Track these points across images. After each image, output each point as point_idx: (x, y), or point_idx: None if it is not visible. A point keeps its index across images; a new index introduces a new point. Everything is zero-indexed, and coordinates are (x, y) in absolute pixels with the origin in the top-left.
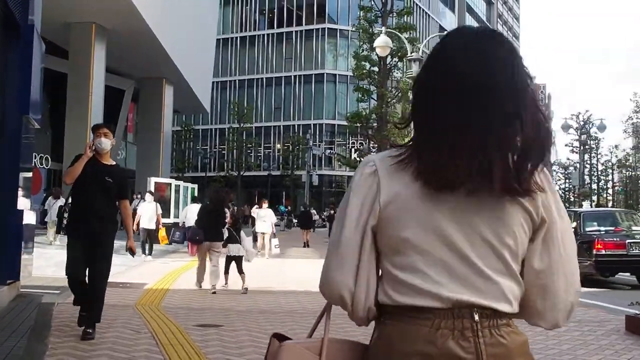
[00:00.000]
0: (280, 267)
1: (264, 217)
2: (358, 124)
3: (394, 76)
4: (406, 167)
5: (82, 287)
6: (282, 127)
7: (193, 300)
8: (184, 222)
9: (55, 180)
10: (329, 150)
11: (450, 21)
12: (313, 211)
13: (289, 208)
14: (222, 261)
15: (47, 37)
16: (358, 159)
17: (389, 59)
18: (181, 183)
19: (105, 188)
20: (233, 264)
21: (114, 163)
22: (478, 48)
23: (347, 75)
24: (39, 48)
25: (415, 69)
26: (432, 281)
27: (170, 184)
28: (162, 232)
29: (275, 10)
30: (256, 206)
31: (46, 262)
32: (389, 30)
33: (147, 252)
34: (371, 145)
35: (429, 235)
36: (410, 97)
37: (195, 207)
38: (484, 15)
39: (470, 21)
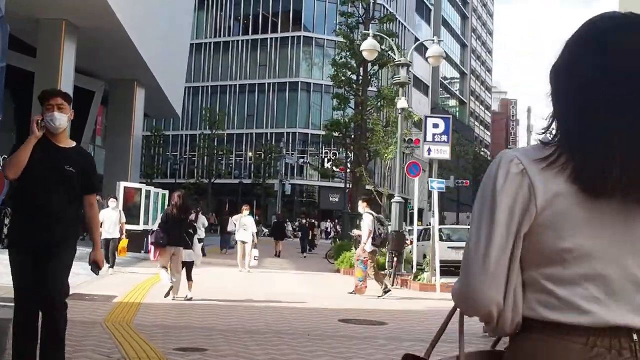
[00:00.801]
0: (258, 279)
1: (245, 225)
2: (336, 133)
3: (374, 84)
4: (560, 169)
5: (34, 331)
6: (254, 134)
7: (169, 316)
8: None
9: None
10: (302, 160)
11: (425, 34)
12: (288, 222)
13: (258, 217)
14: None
15: (13, 33)
16: (334, 168)
17: (369, 66)
18: (152, 188)
19: (64, 179)
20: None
21: (74, 144)
22: None
23: (322, 84)
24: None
25: (403, 74)
26: (591, 298)
27: (141, 189)
28: (124, 243)
29: (251, 17)
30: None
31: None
32: (377, 34)
33: (109, 263)
34: (348, 153)
35: (591, 246)
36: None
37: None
38: (458, 29)
39: (445, 34)
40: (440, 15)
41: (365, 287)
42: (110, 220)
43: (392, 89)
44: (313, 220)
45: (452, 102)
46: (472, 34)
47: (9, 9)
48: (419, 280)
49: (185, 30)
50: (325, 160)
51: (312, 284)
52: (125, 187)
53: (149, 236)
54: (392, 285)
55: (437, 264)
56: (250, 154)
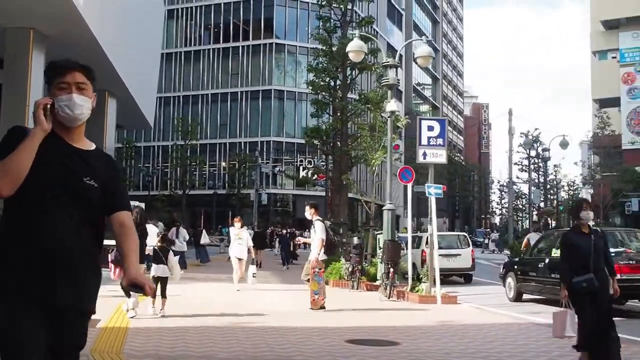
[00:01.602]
0: (246, 295)
1: (240, 240)
2: (316, 140)
3: (355, 89)
4: None
5: None
6: (227, 144)
7: (162, 343)
8: None
9: None
10: (277, 168)
11: (397, 39)
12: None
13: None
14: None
15: None
16: (314, 176)
17: (348, 70)
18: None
19: (81, 198)
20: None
21: (94, 146)
22: None
23: (295, 92)
24: None
25: (391, 75)
26: None
27: None
28: None
29: (221, 25)
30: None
31: None
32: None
33: None
34: (329, 161)
35: None
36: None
37: (151, 228)
38: (429, 34)
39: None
40: (411, 20)
41: (323, 299)
42: None
43: (377, 92)
44: (293, 230)
45: (425, 108)
46: (443, 38)
47: None
48: (417, 291)
49: (156, 39)
50: (301, 168)
51: (303, 299)
52: None
53: (109, 254)
54: (389, 297)
55: (437, 274)
56: (224, 164)
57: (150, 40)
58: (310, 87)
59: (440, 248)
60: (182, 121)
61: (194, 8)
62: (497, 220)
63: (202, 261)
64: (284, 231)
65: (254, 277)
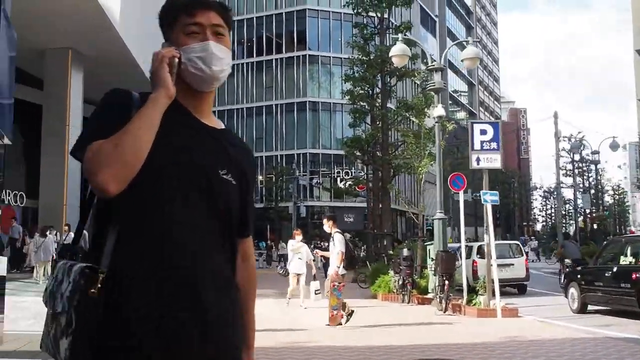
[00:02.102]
0: (296, 310)
1: (300, 254)
2: (357, 150)
3: (394, 96)
4: None
5: None
6: (264, 157)
7: None
8: None
9: (32, 219)
10: (315, 180)
11: (431, 45)
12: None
13: (270, 242)
14: None
15: (19, 65)
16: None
17: (387, 78)
18: None
19: (222, 203)
20: None
21: (223, 125)
22: None
23: (330, 103)
24: (6, 32)
25: (437, 79)
26: None
27: None
28: None
29: (254, 39)
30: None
31: (21, 313)
32: (407, 37)
33: None
34: (368, 170)
35: None
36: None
37: None
38: (464, 39)
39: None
40: (445, 26)
41: (342, 315)
42: None
43: (420, 98)
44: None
45: (462, 114)
46: (478, 44)
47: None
48: (475, 304)
49: None
50: (338, 180)
51: (356, 314)
52: None
53: None
54: (445, 311)
55: (497, 285)
56: (260, 177)
57: None
58: (348, 97)
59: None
60: None
61: None
62: (539, 227)
63: None
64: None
65: (316, 293)
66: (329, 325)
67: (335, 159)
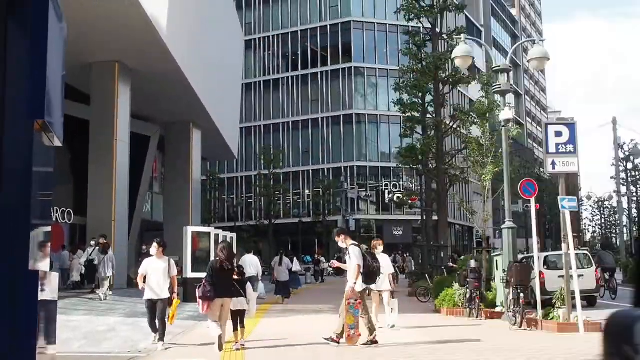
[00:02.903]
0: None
1: (382, 268)
2: (411, 162)
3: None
4: None
5: None
6: (311, 171)
7: None
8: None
9: (79, 236)
10: (364, 193)
11: (477, 55)
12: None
13: (317, 257)
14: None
15: (66, 80)
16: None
17: (440, 85)
18: (220, 232)
19: None
20: None
21: None
22: None
23: (376, 115)
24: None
25: (502, 80)
26: None
27: (209, 233)
28: (175, 306)
29: (299, 52)
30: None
31: (72, 334)
32: (470, 39)
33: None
34: (422, 182)
35: None
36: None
37: (251, 258)
38: (509, 49)
39: (497, 55)
40: (490, 35)
41: (359, 334)
42: (155, 273)
43: (482, 102)
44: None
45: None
46: (524, 53)
47: None
48: (552, 318)
49: (237, 69)
50: (386, 192)
51: (426, 330)
52: (193, 232)
53: (197, 290)
54: (520, 326)
55: (578, 298)
56: (307, 191)
57: (232, 71)
58: (398, 107)
59: (558, 269)
60: (265, 150)
61: (270, 37)
62: (588, 237)
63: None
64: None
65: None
66: (335, 342)
67: (382, 171)
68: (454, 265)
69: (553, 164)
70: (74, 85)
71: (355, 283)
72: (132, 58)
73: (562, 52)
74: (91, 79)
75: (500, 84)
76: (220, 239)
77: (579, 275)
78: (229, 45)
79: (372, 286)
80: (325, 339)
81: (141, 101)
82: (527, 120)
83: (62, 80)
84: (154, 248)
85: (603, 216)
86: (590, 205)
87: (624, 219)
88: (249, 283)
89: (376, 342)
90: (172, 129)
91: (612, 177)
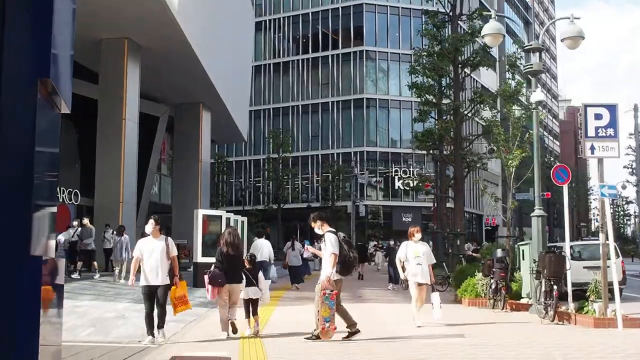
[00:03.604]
0: (383, 317)
1: (420, 257)
2: (427, 147)
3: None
4: None
5: None
6: (320, 156)
7: None
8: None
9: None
10: (375, 179)
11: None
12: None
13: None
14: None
15: (75, 57)
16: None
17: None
18: (232, 216)
19: None
20: None
21: None
22: None
23: (388, 99)
24: None
25: (535, 60)
26: None
27: (221, 216)
28: (181, 290)
29: (310, 35)
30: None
31: (80, 320)
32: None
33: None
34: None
35: None
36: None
37: (263, 242)
38: (521, 35)
39: (508, 40)
40: (504, 21)
41: (335, 328)
42: (153, 255)
43: (509, 84)
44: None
45: (518, 113)
46: (536, 40)
47: None
48: (587, 312)
49: (248, 51)
50: (396, 178)
51: (453, 323)
52: (203, 215)
53: (205, 276)
54: (552, 320)
55: (617, 291)
56: (316, 176)
57: (242, 52)
58: (414, 90)
59: (582, 259)
60: (275, 134)
61: (281, 19)
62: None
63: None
64: (392, 242)
65: (440, 307)
66: (310, 338)
67: (392, 157)
68: (475, 254)
69: (592, 148)
70: (82, 63)
71: (332, 273)
72: (142, 35)
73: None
74: (100, 56)
75: (532, 64)
76: (232, 223)
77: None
78: (239, 25)
79: (411, 277)
80: (306, 338)
81: (150, 80)
82: (538, 108)
83: (70, 43)
84: (149, 225)
85: (612, 206)
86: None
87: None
88: (260, 272)
89: (358, 331)
90: (182, 110)
91: (624, 167)
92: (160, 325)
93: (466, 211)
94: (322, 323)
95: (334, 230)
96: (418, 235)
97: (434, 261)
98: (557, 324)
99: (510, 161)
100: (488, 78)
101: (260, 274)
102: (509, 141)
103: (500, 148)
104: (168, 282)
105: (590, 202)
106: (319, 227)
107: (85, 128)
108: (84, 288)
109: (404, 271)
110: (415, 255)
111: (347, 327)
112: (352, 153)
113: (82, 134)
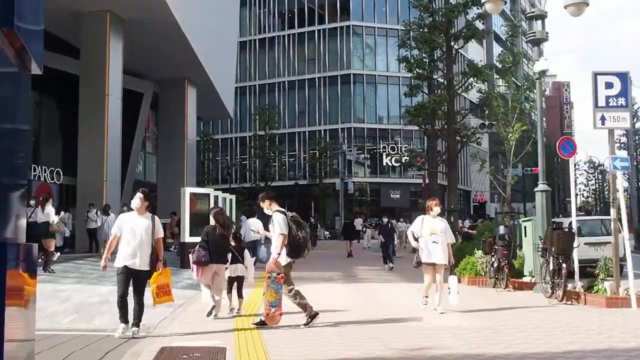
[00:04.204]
0: (381, 296)
1: (437, 235)
2: (419, 122)
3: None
4: None
5: None
6: (307, 132)
7: None
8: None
9: (68, 198)
10: (362, 156)
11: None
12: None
13: (312, 220)
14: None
15: (54, 31)
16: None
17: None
18: (220, 194)
19: None
20: None
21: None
22: None
23: (375, 75)
24: None
25: (538, 28)
26: None
27: (209, 194)
28: (164, 278)
29: (295, 10)
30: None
31: (62, 306)
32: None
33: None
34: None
35: None
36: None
37: (254, 222)
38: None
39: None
40: None
41: (281, 313)
42: (136, 234)
43: (507, 55)
44: (395, 220)
45: (504, 88)
46: (522, 15)
47: (50, 4)
48: (597, 291)
49: (233, 26)
50: (384, 155)
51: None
52: (191, 193)
53: (190, 255)
54: (561, 299)
55: (630, 269)
56: (304, 154)
57: (227, 26)
58: (404, 64)
59: (582, 235)
60: (261, 110)
61: None
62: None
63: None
64: (385, 220)
65: (455, 294)
66: (264, 324)
67: (380, 133)
68: (471, 231)
69: (602, 119)
70: (62, 37)
71: (279, 254)
72: (125, 7)
73: (559, 14)
74: (81, 30)
75: (535, 32)
76: (220, 201)
77: (606, 242)
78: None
79: (425, 257)
80: (254, 324)
81: (134, 55)
82: (524, 84)
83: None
84: (137, 200)
85: (598, 181)
86: (586, 170)
87: (625, 183)
88: (246, 250)
89: (316, 314)
90: (167, 85)
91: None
92: (137, 323)
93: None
94: (268, 308)
95: (282, 210)
96: (437, 210)
97: (454, 240)
98: (566, 304)
99: (510, 135)
100: (476, 53)
101: (247, 252)
102: (507, 114)
103: (500, 121)
104: (149, 267)
105: (577, 177)
106: (267, 207)
107: (66, 105)
108: (66, 271)
109: (415, 250)
110: (431, 232)
111: (305, 315)
112: (340, 130)
113: (63, 110)
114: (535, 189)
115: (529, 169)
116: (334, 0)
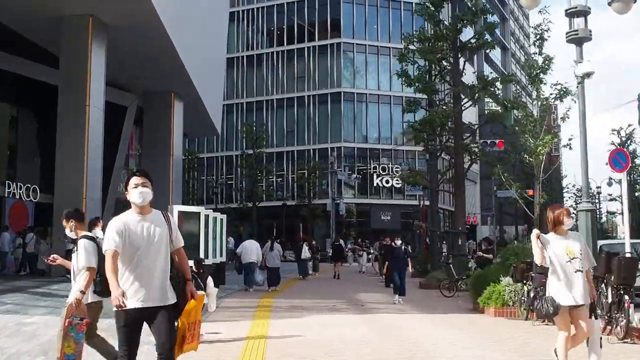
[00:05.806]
0: (399, 333)
1: (577, 260)
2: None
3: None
4: None
5: None
6: (295, 152)
7: None
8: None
9: (46, 216)
10: (353, 176)
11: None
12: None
13: (301, 242)
14: None
15: (32, 38)
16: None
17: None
18: (210, 212)
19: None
20: None
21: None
22: None
23: (365, 94)
24: None
25: (580, 25)
26: None
27: (199, 213)
28: (197, 310)
29: (285, 27)
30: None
31: (26, 345)
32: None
33: None
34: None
35: None
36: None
37: (251, 244)
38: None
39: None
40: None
41: None
42: (145, 247)
43: (535, 61)
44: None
45: (495, 107)
46: (511, 37)
47: (27, 7)
48: None
49: (221, 41)
50: (375, 175)
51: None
52: (179, 212)
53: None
54: (623, 338)
55: None
56: (292, 173)
57: (216, 40)
58: (403, 79)
59: None
60: (248, 128)
61: (255, 10)
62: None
63: (304, 276)
64: (387, 241)
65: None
66: None
67: (370, 153)
68: (486, 255)
69: None
70: (40, 44)
71: (83, 292)
72: (109, 11)
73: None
74: (61, 36)
75: (577, 30)
76: (211, 221)
77: None
78: (214, 11)
79: (563, 296)
80: None
81: (118, 65)
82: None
83: None
84: (137, 180)
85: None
86: (574, 193)
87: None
88: (210, 279)
89: None
90: (152, 99)
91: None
92: None
93: (443, 208)
94: None
95: (91, 235)
96: (569, 223)
97: (594, 263)
98: (626, 342)
99: (540, 148)
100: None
101: (209, 281)
102: (535, 125)
103: (526, 134)
104: (175, 299)
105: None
106: (71, 230)
107: (44, 118)
108: (36, 299)
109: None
110: (569, 257)
111: None
112: (329, 149)
113: (41, 124)
114: (579, 208)
115: (524, 191)
116: (324, 17)
